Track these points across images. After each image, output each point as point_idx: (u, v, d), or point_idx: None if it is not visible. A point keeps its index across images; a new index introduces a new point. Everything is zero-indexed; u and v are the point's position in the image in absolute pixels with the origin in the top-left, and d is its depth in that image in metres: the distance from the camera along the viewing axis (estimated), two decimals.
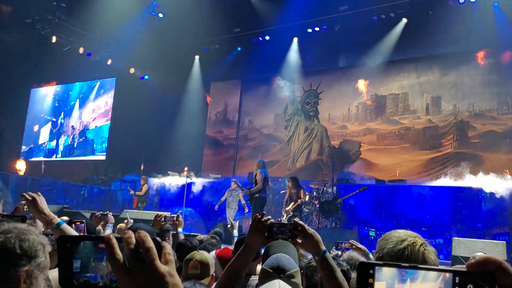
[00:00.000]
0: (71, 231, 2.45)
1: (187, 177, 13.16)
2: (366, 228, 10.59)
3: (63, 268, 0.88)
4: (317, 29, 14.54)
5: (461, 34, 11.95)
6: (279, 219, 9.71)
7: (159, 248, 0.84)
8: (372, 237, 10.33)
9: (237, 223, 5.66)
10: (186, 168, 13.52)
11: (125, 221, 4.90)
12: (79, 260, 0.89)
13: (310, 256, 2.65)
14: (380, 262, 0.72)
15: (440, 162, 12.90)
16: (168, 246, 0.86)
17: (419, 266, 0.72)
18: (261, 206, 9.49)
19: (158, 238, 0.85)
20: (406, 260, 1.64)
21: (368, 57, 13.93)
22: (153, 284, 0.81)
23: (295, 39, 15.29)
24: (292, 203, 10.26)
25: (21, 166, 15.24)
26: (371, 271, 0.71)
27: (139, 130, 16.23)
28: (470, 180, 9.88)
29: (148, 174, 14.50)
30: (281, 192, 12.16)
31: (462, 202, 9.80)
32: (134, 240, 0.83)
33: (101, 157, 17.89)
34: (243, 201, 11.61)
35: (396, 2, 12.98)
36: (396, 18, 13.35)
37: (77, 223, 3.10)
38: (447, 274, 0.71)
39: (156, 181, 14.57)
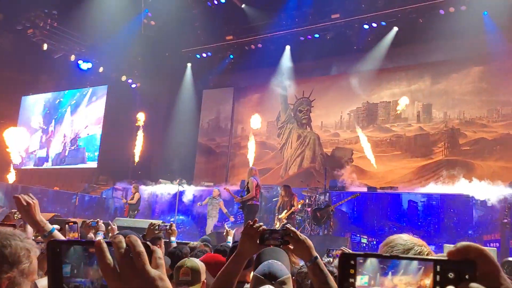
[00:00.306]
0: (62, 239, 2.41)
1: (179, 185, 13.12)
2: (358, 235, 10.60)
3: (52, 273, 0.87)
4: (309, 37, 14.61)
5: (451, 43, 12.08)
6: (274, 227, 9.67)
7: (150, 252, 0.84)
8: (364, 244, 10.34)
9: (233, 231, 5.68)
10: (177, 181, 13.45)
11: (109, 227, 4.84)
12: (69, 265, 0.88)
13: (302, 262, 2.64)
14: (361, 253, 0.72)
15: (431, 169, 12.97)
16: (158, 251, 0.85)
17: (400, 256, 0.72)
18: (254, 213, 9.46)
19: (148, 243, 0.85)
20: None
21: (360, 65, 14.02)
22: None
23: (288, 47, 15.31)
24: (285, 210, 10.24)
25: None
26: (352, 262, 0.72)
27: (131, 138, 16.15)
28: (461, 187, 9.94)
29: (140, 182, 14.41)
30: (273, 200, 12.13)
31: (453, 209, 9.83)
32: (124, 245, 0.82)
33: (93, 165, 17.78)
34: (224, 209, 11.61)
35: (387, 10, 13.09)
36: (387, 26, 13.47)
37: (70, 223, 3.08)
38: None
39: (148, 189, 14.48)
